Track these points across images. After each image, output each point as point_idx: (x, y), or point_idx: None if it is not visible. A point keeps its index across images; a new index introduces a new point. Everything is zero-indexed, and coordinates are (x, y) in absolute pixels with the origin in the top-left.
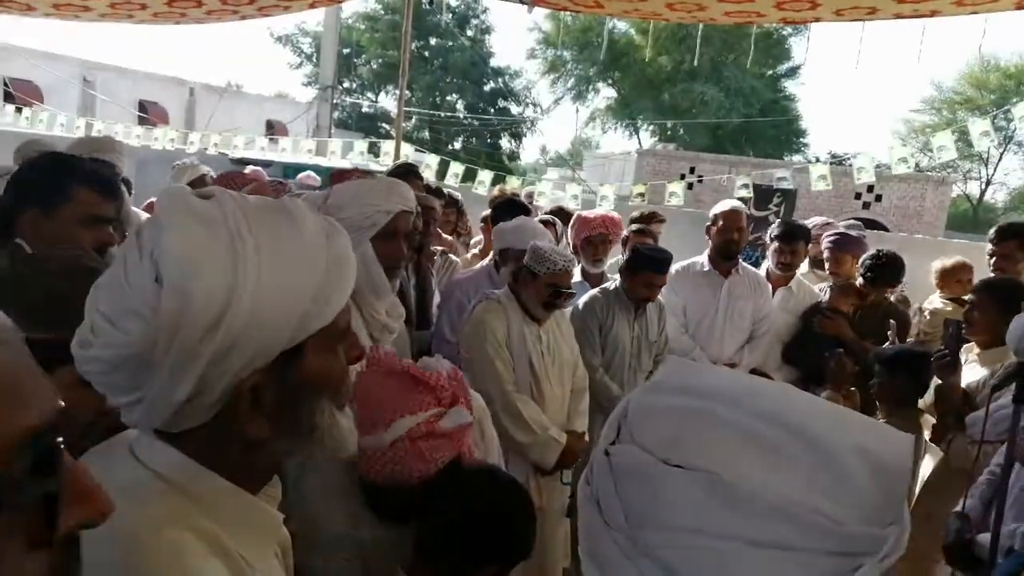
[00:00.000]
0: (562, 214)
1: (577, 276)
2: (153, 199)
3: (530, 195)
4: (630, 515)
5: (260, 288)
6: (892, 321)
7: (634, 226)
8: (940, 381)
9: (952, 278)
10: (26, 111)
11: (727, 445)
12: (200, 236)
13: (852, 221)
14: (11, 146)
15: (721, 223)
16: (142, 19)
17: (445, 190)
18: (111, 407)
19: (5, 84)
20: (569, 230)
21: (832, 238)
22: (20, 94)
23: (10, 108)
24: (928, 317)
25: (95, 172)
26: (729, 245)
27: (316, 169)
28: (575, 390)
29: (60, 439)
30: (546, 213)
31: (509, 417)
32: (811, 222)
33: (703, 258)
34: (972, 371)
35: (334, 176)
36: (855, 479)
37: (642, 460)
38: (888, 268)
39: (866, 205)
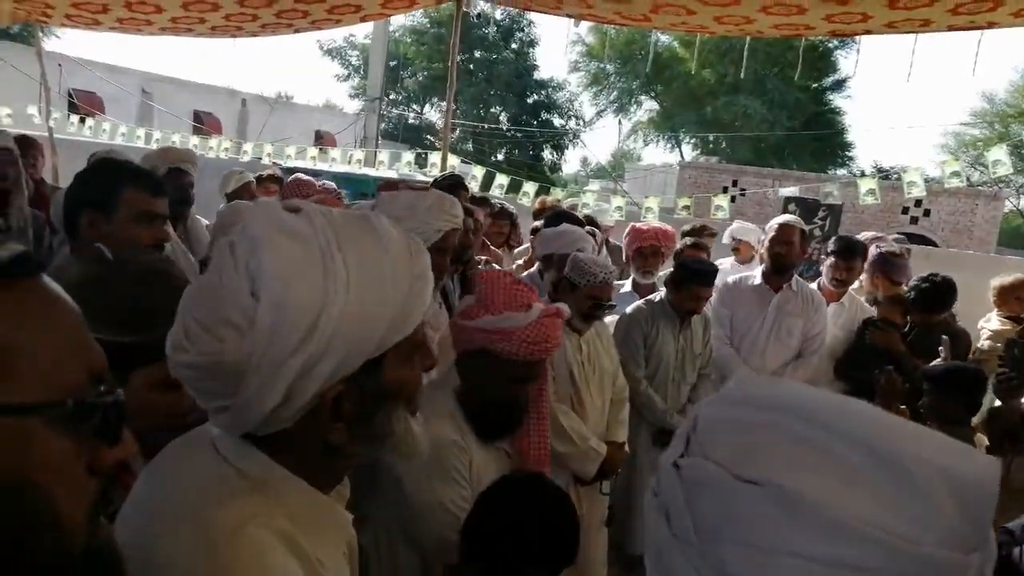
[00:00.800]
0: (592, 223)
1: (627, 287)
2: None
3: (573, 207)
4: (700, 529)
5: (349, 303)
6: (945, 337)
7: (688, 239)
8: (999, 402)
9: (1011, 295)
10: (89, 121)
11: (802, 461)
12: (294, 252)
13: (897, 236)
14: (75, 153)
15: (772, 234)
16: (200, 32)
17: (497, 202)
18: (181, 410)
19: (70, 95)
20: (623, 240)
21: (872, 259)
22: (83, 105)
23: (74, 118)
24: (986, 338)
25: (142, 172)
26: (777, 259)
27: (364, 179)
28: (615, 400)
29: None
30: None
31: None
32: (862, 236)
33: (757, 272)
34: None
35: (380, 187)
36: (937, 501)
37: (713, 474)
38: (937, 295)
39: (914, 220)
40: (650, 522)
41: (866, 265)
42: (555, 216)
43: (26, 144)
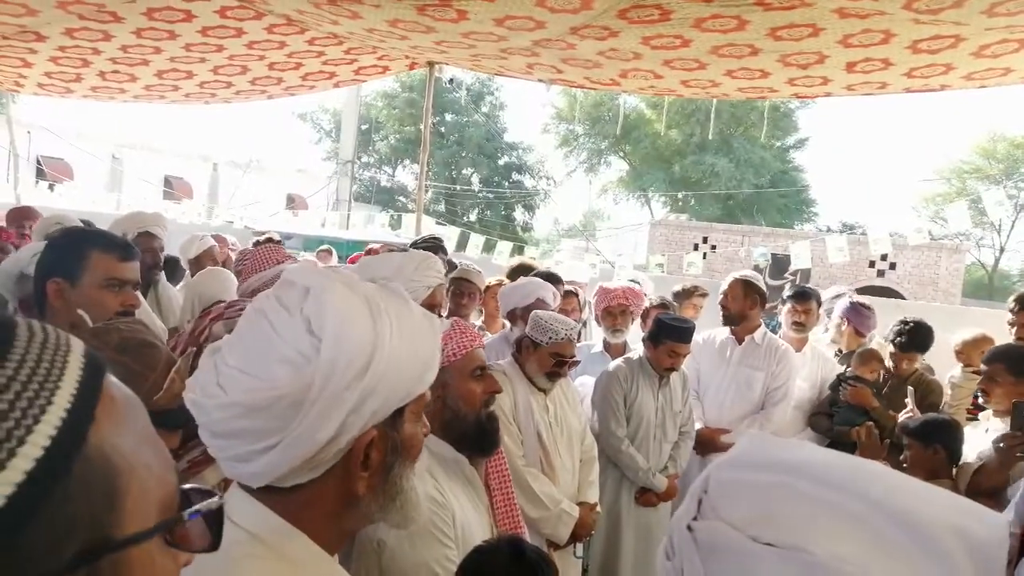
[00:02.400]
0: (551, 278)
1: (598, 347)
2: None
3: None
4: None
5: (393, 348)
6: (910, 388)
7: (654, 299)
8: (1000, 456)
9: (976, 350)
10: (58, 188)
11: (818, 522)
12: (351, 298)
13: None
14: (45, 222)
15: (732, 291)
16: (174, 99)
17: (467, 263)
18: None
19: (38, 162)
20: (591, 300)
21: (843, 307)
22: (52, 171)
23: (43, 185)
24: (951, 391)
25: (109, 237)
26: (722, 311)
27: (336, 241)
28: (584, 460)
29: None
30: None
31: (521, 492)
32: (827, 293)
33: (726, 329)
34: (989, 440)
35: (370, 253)
36: (954, 562)
37: (730, 537)
38: (918, 334)
39: (880, 273)
40: None
41: (836, 314)
42: (513, 272)
43: (21, 215)
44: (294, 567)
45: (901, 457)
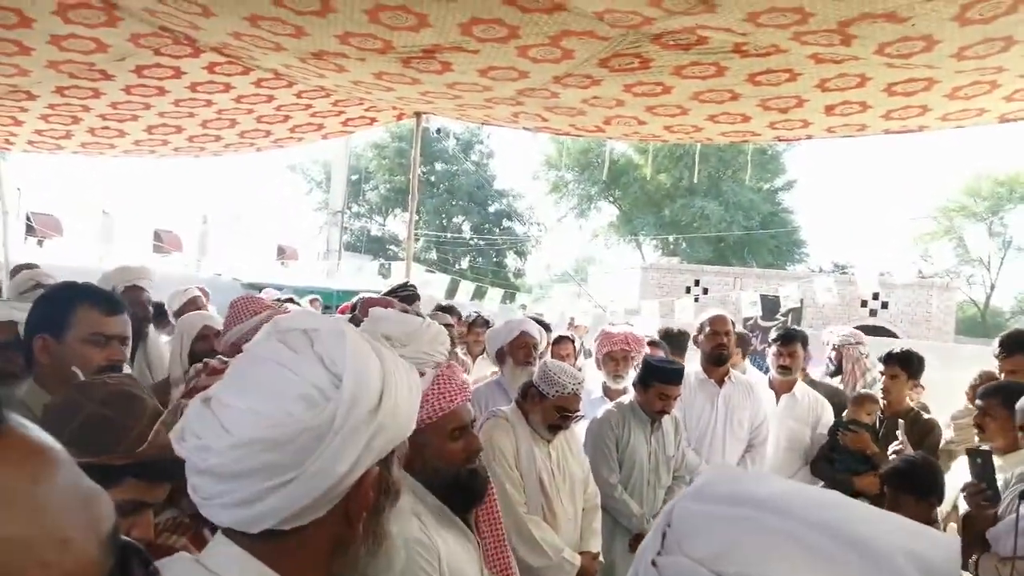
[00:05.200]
0: (542, 326)
1: (598, 392)
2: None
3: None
4: None
5: (397, 388)
6: (901, 421)
7: (646, 338)
8: (969, 508)
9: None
10: (47, 243)
11: (779, 555)
12: (360, 341)
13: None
14: (21, 279)
15: (708, 329)
16: (163, 154)
17: (474, 312)
18: (138, 537)
19: (27, 218)
20: (593, 344)
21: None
22: (41, 227)
23: (32, 241)
24: (953, 428)
25: (95, 291)
26: (719, 350)
27: (327, 292)
28: (587, 508)
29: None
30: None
31: (522, 541)
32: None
33: (696, 368)
34: None
35: (368, 303)
36: None
37: (694, 572)
38: (910, 360)
39: (873, 312)
40: None
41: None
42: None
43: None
44: None
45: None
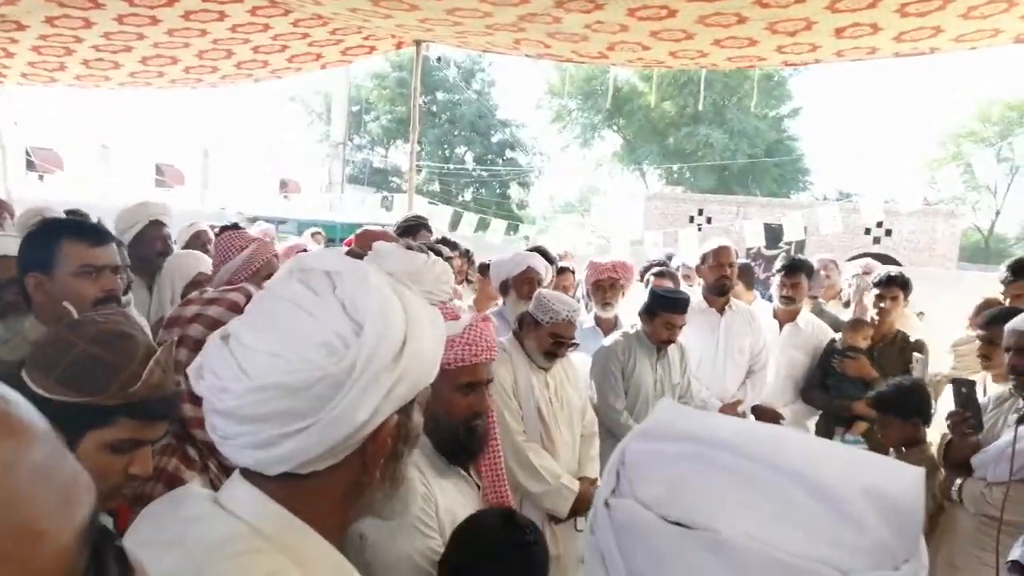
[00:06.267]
0: (545, 256)
1: (589, 322)
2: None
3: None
4: (634, 573)
5: (420, 335)
6: (917, 354)
7: (654, 269)
8: (952, 435)
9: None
10: (48, 178)
11: (726, 497)
12: (381, 284)
13: (868, 261)
14: (26, 215)
15: (712, 260)
16: (160, 86)
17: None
18: (136, 473)
19: (27, 153)
20: (582, 274)
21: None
22: (41, 162)
23: (32, 176)
24: (953, 355)
25: (79, 224)
26: (722, 281)
27: (330, 224)
28: (585, 435)
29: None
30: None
31: (521, 467)
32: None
33: (697, 297)
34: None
35: (358, 236)
36: (863, 523)
37: (641, 517)
38: (907, 283)
39: (876, 240)
40: (588, 564)
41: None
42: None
43: None
44: (297, 561)
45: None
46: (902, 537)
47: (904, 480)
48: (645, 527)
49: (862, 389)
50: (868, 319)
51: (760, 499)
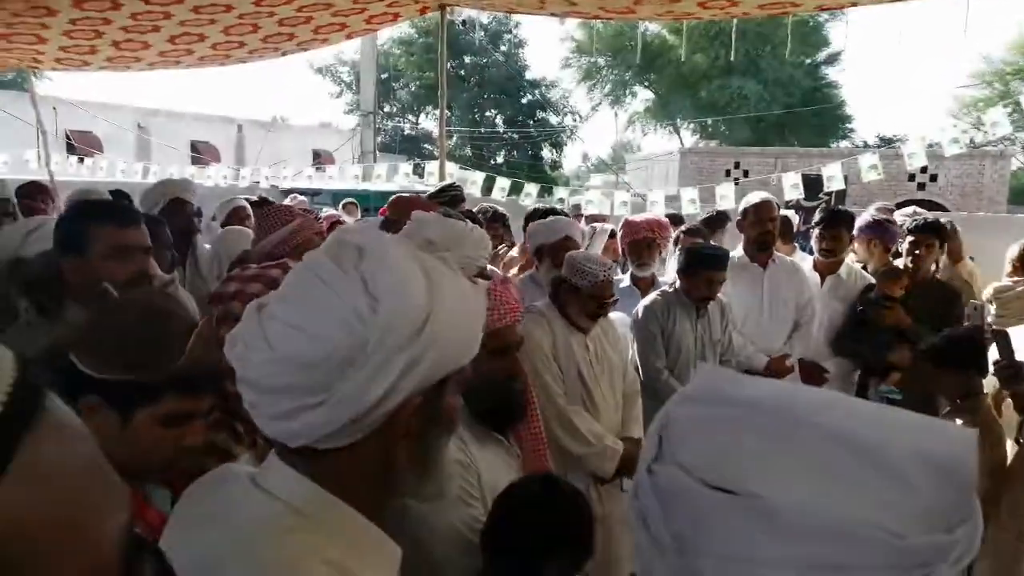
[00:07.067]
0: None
1: (626, 281)
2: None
3: (576, 206)
4: (677, 539)
5: (445, 315)
6: (974, 302)
7: (684, 226)
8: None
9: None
10: (87, 161)
11: (770, 462)
12: (408, 261)
13: (915, 209)
14: (73, 197)
15: (753, 216)
16: (189, 64)
17: (488, 206)
18: (189, 444)
19: (67, 137)
20: (618, 234)
21: (860, 223)
22: (81, 144)
23: (73, 159)
24: (996, 301)
25: (107, 205)
26: (765, 236)
27: (364, 194)
28: (627, 395)
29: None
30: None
31: (564, 430)
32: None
33: (738, 251)
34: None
35: (398, 202)
36: (916, 487)
37: (684, 483)
38: (942, 229)
39: (921, 186)
40: (635, 529)
41: (857, 232)
42: (537, 212)
43: (36, 189)
44: (331, 533)
45: (931, 382)
46: (955, 499)
47: (955, 441)
48: (688, 493)
49: (898, 338)
50: (902, 267)
51: (806, 464)
